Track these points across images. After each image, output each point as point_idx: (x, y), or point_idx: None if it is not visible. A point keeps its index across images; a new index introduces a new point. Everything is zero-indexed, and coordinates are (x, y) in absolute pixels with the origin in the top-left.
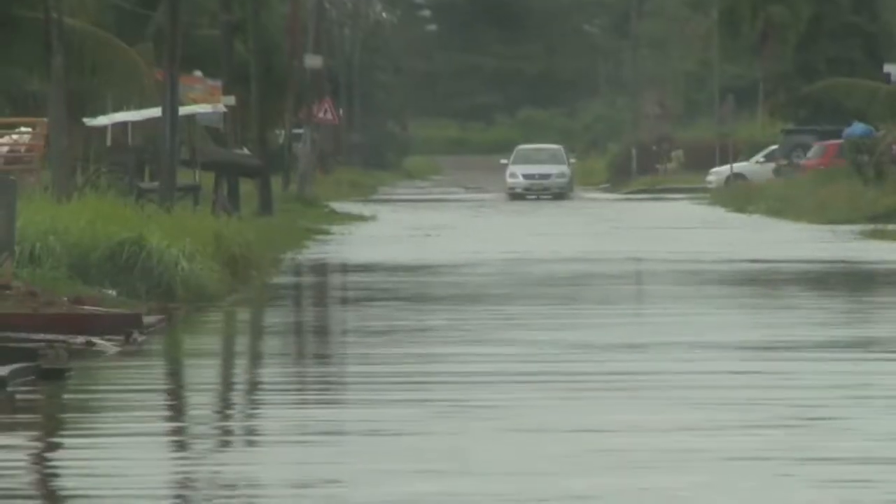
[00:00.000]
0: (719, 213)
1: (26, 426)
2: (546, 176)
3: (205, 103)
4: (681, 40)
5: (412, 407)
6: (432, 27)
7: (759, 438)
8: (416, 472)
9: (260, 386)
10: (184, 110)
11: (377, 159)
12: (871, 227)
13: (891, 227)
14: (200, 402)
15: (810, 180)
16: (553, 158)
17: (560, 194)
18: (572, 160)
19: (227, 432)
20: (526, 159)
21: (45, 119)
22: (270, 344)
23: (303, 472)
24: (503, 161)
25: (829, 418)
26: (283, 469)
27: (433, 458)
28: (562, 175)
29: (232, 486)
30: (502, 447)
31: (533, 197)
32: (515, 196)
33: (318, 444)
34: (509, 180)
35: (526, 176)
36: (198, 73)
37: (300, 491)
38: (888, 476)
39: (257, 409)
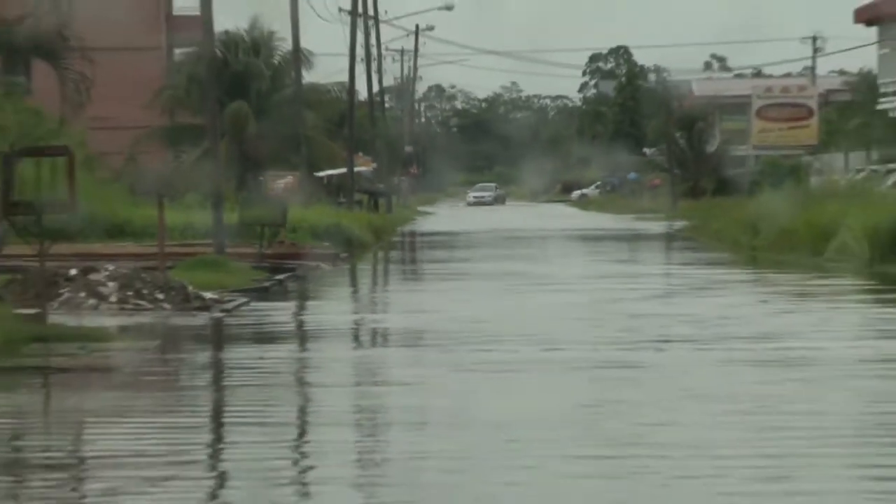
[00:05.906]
0: (575, 210)
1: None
2: (483, 197)
3: (364, 166)
4: None
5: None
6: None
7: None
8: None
9: (388, 275)
10: (356, 169)
11: (435, 189)
12: (637, 215)
13: (647, 215)
14: (373, 286)
15: (616, 196)
16: (489, 189)
17: (492, 205)
18: (499, 190)
19: (418, 280)
20: (477, 189)
21: (297, 173)
22: (393, 261)
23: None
24: (468, 191)
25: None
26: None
27: None
28: (491, 197)
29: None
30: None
31: (478, 205)
32: (470, 205)
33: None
34: (468, 198)
35: (475, 197)
36: (360, 154)
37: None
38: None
39: (406, 292)
